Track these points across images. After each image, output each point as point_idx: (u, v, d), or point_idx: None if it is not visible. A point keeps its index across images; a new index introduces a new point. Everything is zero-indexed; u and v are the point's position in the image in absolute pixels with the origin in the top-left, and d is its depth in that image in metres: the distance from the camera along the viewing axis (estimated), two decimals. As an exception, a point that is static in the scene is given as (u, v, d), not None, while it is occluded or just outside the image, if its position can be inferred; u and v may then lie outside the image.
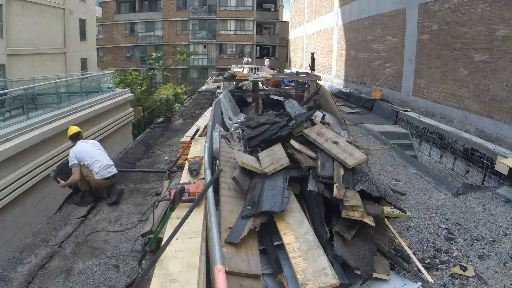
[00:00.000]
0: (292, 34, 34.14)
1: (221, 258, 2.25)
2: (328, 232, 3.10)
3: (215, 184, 3.69)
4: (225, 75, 9.33)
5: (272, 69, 23.80)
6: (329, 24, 21.08)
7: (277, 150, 3.86)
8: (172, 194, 2.94)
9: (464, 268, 3.22)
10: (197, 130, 6.09)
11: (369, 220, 2.98)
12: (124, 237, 4.11)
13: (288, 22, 38.83)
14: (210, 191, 3.09)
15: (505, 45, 7.35)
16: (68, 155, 5.01)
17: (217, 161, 4.18)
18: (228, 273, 2.50)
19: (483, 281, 3.09)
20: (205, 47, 41.92)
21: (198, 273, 2.43)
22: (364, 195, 3.20)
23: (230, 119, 6.14)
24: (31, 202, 9.15)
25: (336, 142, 3.86)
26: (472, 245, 3.68)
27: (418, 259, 3.26)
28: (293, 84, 10.49)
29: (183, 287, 2.29)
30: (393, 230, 3.64)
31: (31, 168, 9.07)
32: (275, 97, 7.60)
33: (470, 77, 8.52)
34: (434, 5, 10.10)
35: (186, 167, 4.67)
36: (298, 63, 30.66)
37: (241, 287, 2.52)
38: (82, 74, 19.73)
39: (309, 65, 22.60)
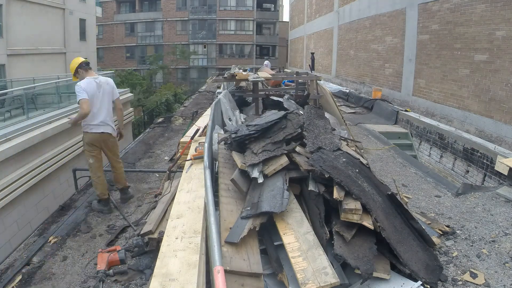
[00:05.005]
0: (292, 34, 34.15)
1: (220, 259, 2.24)
2: (328, 232, 3.10)
3: (215, 185, 3.70)
4: (225, 75, 9.33)
5: (272, 69, 23.78)
6: (329, 24, 21.09)
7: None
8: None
9: (474, 275, 3.19)
10: (197, 130, 6.09)
11: (368, 223, 2.99)
12: (124, 237, 4.12)
13: (288, 22, 38.85)
14: (210, 192, 3.08)
15: (505, 45, 7.35)
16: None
17: (217, 161, 4.18)
18: (229, 273, 2.50)
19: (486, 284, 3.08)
20: (205, 47, 41.95)
21: (198, 272, 2.43)
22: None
23: (230, 119, 6.14)
24: (31, 202, 9.14)
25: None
26: (472, 245, 3.68)
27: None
28: (293, 84, 10.49)
29: (182, 286, 2.29)
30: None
31: (31, 168, 9.06)
32: (275, 98, 7.60)
33: (470, 77, 8.52)
34: (434, 5, 10.10)
35: (186, 167, 4.67)
36: (298, 63, 30.67)
37: (242, 287, 2.52)
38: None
39: (309, 65, 22.64)
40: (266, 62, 13.96)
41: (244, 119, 6.42)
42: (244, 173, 3.62)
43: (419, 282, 2.86)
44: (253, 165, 3.56)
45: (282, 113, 4.65)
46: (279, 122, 4.36)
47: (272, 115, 4.70)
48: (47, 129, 9.80)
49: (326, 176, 3.31)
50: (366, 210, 3.09)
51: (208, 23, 41.70)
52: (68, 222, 4.58)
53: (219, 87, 12.28)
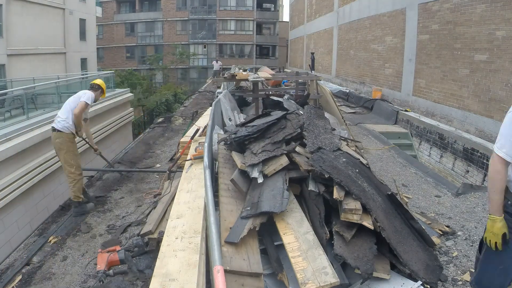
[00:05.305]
0: (292, 34, 34.15)
1: (220, 259, 2.24)
2: (327, 232, 3.10)
3: (215, 185, 3.70)
4: (225, 75, 9.34)
5: (272, 69, 23.80)
6: (329, 24, 21.09)
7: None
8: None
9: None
10: (197, 130, 6.09)
11: (367, 223, 2.99)
12: (123, 237, 4.11)
13: (288, 22, 38.85)
14: (210, 192, 3.08)
15: (505, 45, 7.35)
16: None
17: (217, 161, 4.18)
18: (229, 272, 2.50)
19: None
20: (205, 47, 41.93)
21: (198, 272, 2.43)
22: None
23: (230, 119, 6.14)
24: (31, 202, 9.14)
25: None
26: (472, 245, 3.68)
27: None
28: (293, 84, 10.50)
29: (182, 286, 2.29)
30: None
31: (31, 168, 9.06)
32: (275, 98, 7.61)
33: (470, 77, 8.52)
34: (434, 5, 10.10)
35: (186, 167, 4.68)
36: (298, 63, 30.68)
37: (242, 286, 2.51)
38: (82, 74, 19.73)
39: (309, 65, 22.64)
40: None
41: (243, 119, 6.42)
42: (244, 173, 3.62)
43: (419, 282, 2.86)
44: (252, 165, 3.56)
45: (281, 113, 4.65)
46: (277, 123, 4.36)
47: (271, 116, 4.70)
48: (47, 129, 9.79)
49: (326, 176, 3.31)
50: (366, 210, 3.09)
51: (208, 23, 41.69)
52: (68, 222, 4.58)
53: (219, 87, 12.29)
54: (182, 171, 4.70)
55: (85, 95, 5.02)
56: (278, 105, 6.93)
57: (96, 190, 5.68)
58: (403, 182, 5.74)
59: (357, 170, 3.61)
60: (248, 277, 2.60)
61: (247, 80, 8.20)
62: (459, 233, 3.95)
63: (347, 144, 4.98)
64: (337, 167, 3.48)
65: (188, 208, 3.40)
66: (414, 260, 3.01)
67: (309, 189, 3.41)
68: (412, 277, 2.89)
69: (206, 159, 3.76)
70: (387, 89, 13.36)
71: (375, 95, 13.67)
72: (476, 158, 7.55)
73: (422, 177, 6.04)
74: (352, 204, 3.06)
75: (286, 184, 3.39)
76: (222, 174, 3.77)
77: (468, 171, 7.80)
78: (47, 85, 12.62)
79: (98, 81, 5.46)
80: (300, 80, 9.28)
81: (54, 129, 4.91)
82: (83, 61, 24.04)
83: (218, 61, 29.91)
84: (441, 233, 3.90)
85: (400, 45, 12.34)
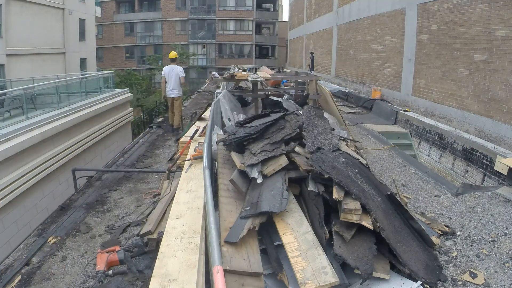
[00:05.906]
0: (292, 34, 34.15)
1: (220, 259, 2.24)
2: (327, 232, 3.10)
3: (214, 185, 3.69)
4: (225, 75, 9.34)
5: (272, 69, 23.73)
6: (329, 24, 21.09)
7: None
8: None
9: (474, 275, 3.19)
10: (197, 130, 6.09)
11: (367, 223, 2.99)
12: (123, 237, 4.11)
13: (287, 22, 38.85)
14: (209, 192, 3.08)
15: (505, 45, 7.35)
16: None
17: (216, 162, 4.18)
18: (229, 272, 2.50)
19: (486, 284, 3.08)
20: (204, 47, 41.92)
21: (197, 272, 2.43)
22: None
23: (229, 119, 6.13)
24: (31, 202, 9.14)
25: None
26: (471, 245, 3.69)
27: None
28: (292, 84, 10.50)
29: (182, 286, 2.29)
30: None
31: (31, 168, 9.06)
32: (274, 98, 7.60)
33: (469, 77, 8.52)
34: (434, 5, 10.10)
35: (185, 167, 4.68)
36: (298, 63, 30.67)
37: (242, 286, 2.51)
38: (82, 74, 19.70)
39: (309, 65, 22.62)
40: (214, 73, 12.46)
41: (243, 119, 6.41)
42: (243, 174, 3.62)
43: (419, 282, 2.86)
44: (252, 166, 3.56)
45: (279, 114, 4.65)
46: (275, 123, 4.36)
47: (269, 116, 4.70)
48: (47, 129, 9.80)
49: (326, 176, 3.31)
50: (365, 210, 3.09)
51: (207, 23, 41.68)
52: (68, 222, 4.58)
53: (218, 87, 12.29)
54: (181, 171, 4.69)
55: (182, 71, 8.56)
56: (278, 105, 6.93)
57: (95, 190, 5.67)
58: (403, 182, 5.74)
59: (356, 170, 3.61)
60: (248, 277, 2.60)
61: (246, 80, 8.20)
62: (458, 233, 3.95)
63: (347, 144, 4.98)
64: (337, 167, 3.48)
65: (188, 208, 3.40)
66: (414, 260, 3.01)
67: (308, 189, 3.41)
68: (412, 277, 2.89)
69: (205, 159, 3.76)
70: (387, 89, 13.37)
71: (374, 95, 13.67)
72: (475, 158, 7.55)
73: (421, 177, 6.04)
74: (352, 204, 3.06)
75: (286, 184, 3.39)
76: (222, 174, 3.77)
77: (467, 171, 7.80)
78: (46, 85, 12.61)
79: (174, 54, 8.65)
80: (299, 80, 9.27)
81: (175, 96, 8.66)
82: (83, 61, 24.02)
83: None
84: (440, 233, 3.90)
85: (399, 45, 12.35)
